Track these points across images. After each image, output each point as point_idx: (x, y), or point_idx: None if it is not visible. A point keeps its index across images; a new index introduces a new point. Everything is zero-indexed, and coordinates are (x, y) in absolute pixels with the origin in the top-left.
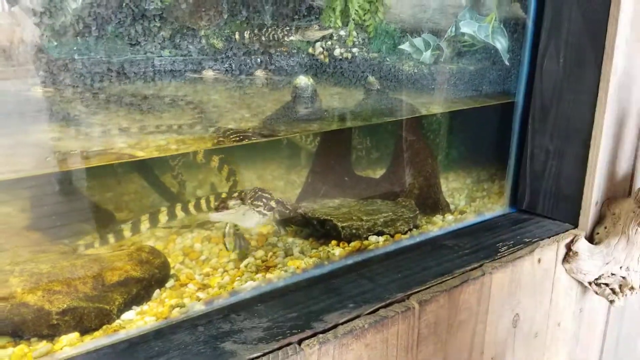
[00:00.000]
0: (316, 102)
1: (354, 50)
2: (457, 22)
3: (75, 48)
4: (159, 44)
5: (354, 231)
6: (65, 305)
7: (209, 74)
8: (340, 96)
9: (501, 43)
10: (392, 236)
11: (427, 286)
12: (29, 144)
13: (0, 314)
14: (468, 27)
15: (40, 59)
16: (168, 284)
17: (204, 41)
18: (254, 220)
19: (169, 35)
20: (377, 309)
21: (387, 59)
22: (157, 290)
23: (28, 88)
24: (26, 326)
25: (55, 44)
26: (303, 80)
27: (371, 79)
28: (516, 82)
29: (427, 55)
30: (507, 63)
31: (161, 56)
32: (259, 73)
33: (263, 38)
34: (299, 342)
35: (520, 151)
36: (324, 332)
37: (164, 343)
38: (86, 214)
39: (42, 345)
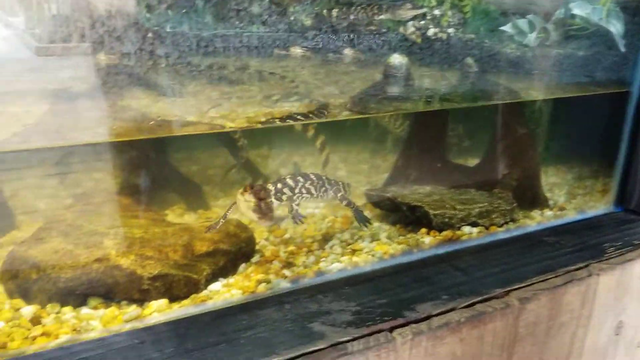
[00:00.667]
0: (410, 82)
1: (449, 30)
2: (568, 4)
3: (168, 21)
4: (249, 20)
5: (446, 220)
6: (156, 271)
7: (296, 51)
8: (434, 78)
9: (616, 27)
10: (486, 228)
11: (528, 283)
12: (121, 110)
13: (94, 275)
14: (580, 9)
15: (136, 30)
16: (254, 259)
17: (292, 18)
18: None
19: (259, 12)
20: (474, 304)
21: (486, 41)
22: (243, 264)
23: (121, 57)
24: (118, 289)
25: (149, 16)
26: (397, 59)
27: (469, 60)
28: (632, 70)
29: (531, 38)
30: (622, 49)
31: (250, 32)
32: (348, 51)
33: (352, 16)
34: (391, 330)
35: (632, 146)
36: (416, 321)
37: (251, 317)
38: (175, 183)
39: (132, 309)
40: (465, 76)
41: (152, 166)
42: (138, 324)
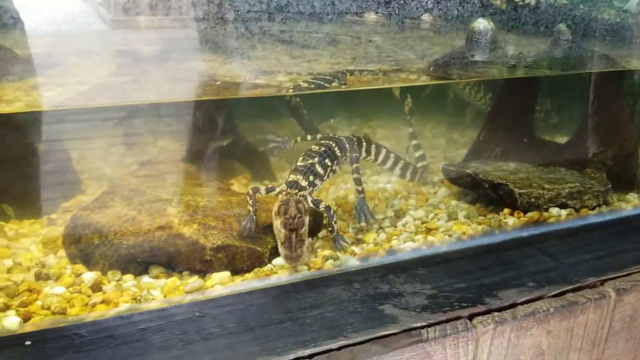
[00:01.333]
0: (495, 48)
1: None
2: None
3: None
4: None
5: (532, 200)
6: (219, 242)
7: (370, 16)
8: (521, 45)
9: None
10: (577, 210)
11: (626, 273)
12: (191, 72)
13: (156, 243)
14: None
15: None
16: (320, 234)
17: None
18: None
19: None
20: (564, 292)
21: (581, 6)
22: (309, 239)
23: (189, 22)
24: (180, 258)
25: None
26: (482, 24)
27: (562, 27)
28: None
29: (633, 3)
30: None
31: None
32: (426, 17)
33: None
34: (470, 318)
35: None
36: (499, 310)
37: (317, 295)
38: (241, 152)
39: (194, 280)
40: (557, 44)
41: (218, 132)
42: (199, 296)
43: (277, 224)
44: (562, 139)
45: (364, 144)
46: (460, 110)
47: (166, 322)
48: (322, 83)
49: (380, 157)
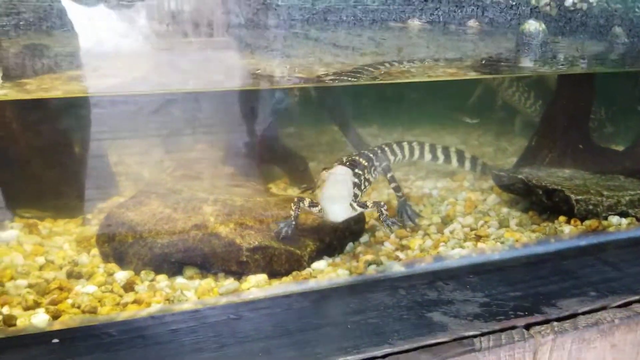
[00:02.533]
0: (547, 51)
1: (591, 0)
2: None
3: None
4: None
5: (590, 207)
6: (256, 243)
7: (414, 23)
8: (573, 49)
9: None
10: (638, 220)
11: None
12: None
13: (191, 242)
14: None
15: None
16: (362, 239)
17: None
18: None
19: None
20: (630, 303)
21: (637, 9)
22: (351, 243)
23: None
24: (215, 259)
25: None
26: (533, 25)
27: (617, 30)
28: None
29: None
30: None
31: (365, 4)
32: (472, 23)
33: None
34: (527, 327)
35: None
36: (559, 319)
37: (360, 301)
38: (281, 156)
39: (229, 282)
40: (613, 48)
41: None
42: (234, 299)
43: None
44: (619, 148)
45: (392, 147)
46: (508, 118)
47: (199, 323)
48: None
49: (416, 152)
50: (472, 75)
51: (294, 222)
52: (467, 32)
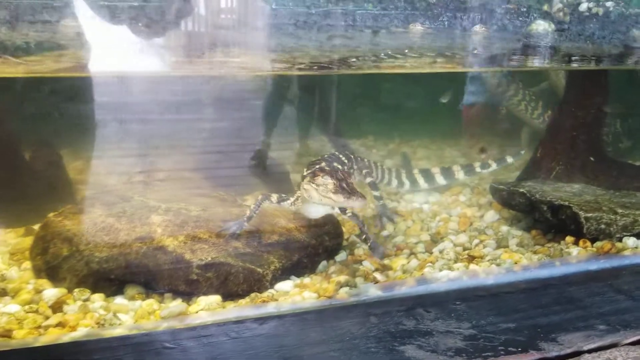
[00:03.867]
0: (555, 53)
1: (608, 4)
2: None
3: None
4: None
5: (602, 227)
6: (209, 258)
7: (416, 28)
8: (587, 52)
9: None
10: None
11: None
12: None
13: (133, 257)
14: None
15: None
16: (338, 257)
17: None
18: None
19: None
20: None
21: None
22: (324, 262)
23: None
24: (161, 277)
25: None
26: (542, 26)
27: (636, 33)
28: None
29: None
30: None
31: (364, 10)
32: (478, 29)
33: None
34: None
35: None
36: (558, 359)
37: (324, 330)
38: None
39: (175, 304)
40: (630, 51)
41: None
42: (177, 324)
43: (316, 183)
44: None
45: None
46: (514, 129)
47: (124, 352)
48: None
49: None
50: (467, 69)
51: (245, 222)
52: (473, 37)
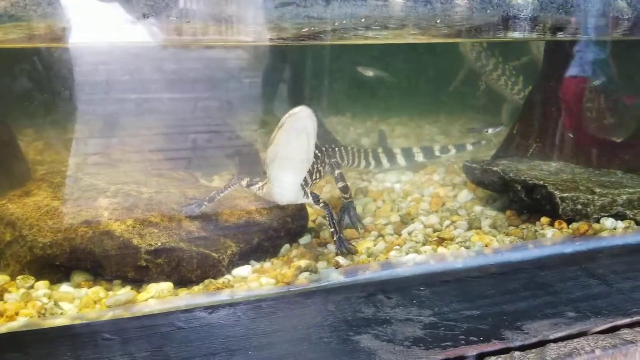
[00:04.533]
0: (537, 25)
1: None
2: None
3: None
4: None
5: (578, 207)
6: (159, 243)
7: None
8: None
9: None
10: (638, 223)
11: None
12: None
13: (79, 242)
14: None
15: None
16: (302, 240)
17: None
18: None
19: None
20: (617, 328)
21: None
22: (287, 245)
23: None
24: (108, 263)
25: None
26: None
27: (621, 4)
28: None
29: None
30: None
31: None
32: (459, 1)
33: None
34: (479, 358)
35: None
36: (522, 348)
37: (276, 319)
38: (230, 146)
39: (123, 292)
40: (617, 25)
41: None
42: (123, 313)
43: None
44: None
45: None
46: (494, 106)
47: (60, 344)
48: None
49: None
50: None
51: (206, 202)
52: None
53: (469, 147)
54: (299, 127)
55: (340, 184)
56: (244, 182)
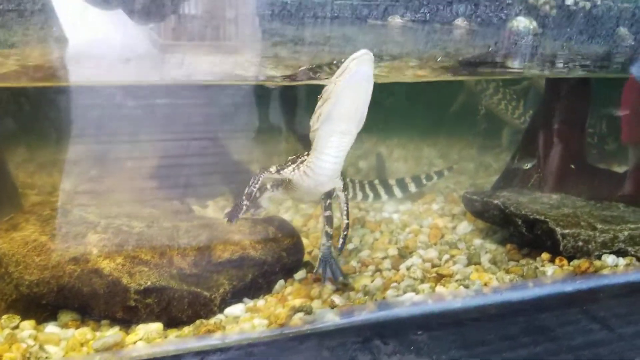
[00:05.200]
0: (536, 53)
1: None
2: None
3: None
4: None
5: (580, 244)
6: (149, 282)
7: (395, 20)
8: (570, 51)
9: None
10: (639, 260)
11: None
12: None
13: (67, 280)
14: None
15: None
16: (298, 275)
17: None
18: None
19: None
20: None
21: None
22: (281, 281)
23: None
24: (96, 303)
25: None
26: (522, 23)
27: (622, 31)
28: None
29: None
30: None
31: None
32: (460, 22)
33: None
34: None
35: None
36: None
37: None
38: (224, 169)
39: (111, 333)
40: (617, 51)
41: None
42: (110, 357)
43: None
44: (621, 169)
45: None
46: (494, 130)
47: None
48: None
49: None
50: (446, 77)
51: (245, 203)
52: (455, 31)
53: (445, 173)
54: (363, 73)
55: (326, 213)
56: (273, 169)
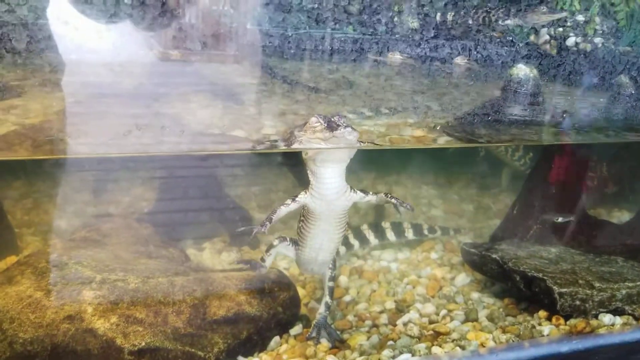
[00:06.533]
0: (538, 102)
1: (597, 40)
2: None
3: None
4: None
5: (577, 303)
6: (143, 343)
7: (395, 57)
8: (572, 99)
9: None
10: (637, 319)
11: None
12: None
13: (61, 339)
14: None
15: None
16: (293, 330)
17: (396, 19)
18: None
19: (357, 9)
20: None
21: None
22: (277, 338)
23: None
24: None
25: None
26: (523, 71)
27: (623, 79)
28: None
29: None
30: None
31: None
32: (460, 61)
33: (470, 20)
34: None
35: None
36: None
37: None
38: (220, 208)
39: None
40: (617, 99)
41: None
42: None
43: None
44: (622, 214)
45: None
46: (494, 170)
47: None
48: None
49: None
50: (441, 143)
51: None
52: (455, 70)
53: (451, 232)
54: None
55: (329, 284)
56: (289, 201)
